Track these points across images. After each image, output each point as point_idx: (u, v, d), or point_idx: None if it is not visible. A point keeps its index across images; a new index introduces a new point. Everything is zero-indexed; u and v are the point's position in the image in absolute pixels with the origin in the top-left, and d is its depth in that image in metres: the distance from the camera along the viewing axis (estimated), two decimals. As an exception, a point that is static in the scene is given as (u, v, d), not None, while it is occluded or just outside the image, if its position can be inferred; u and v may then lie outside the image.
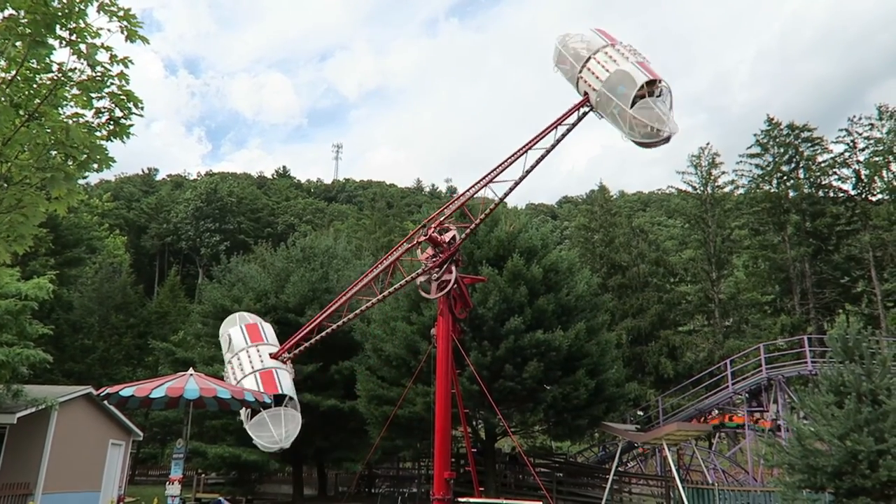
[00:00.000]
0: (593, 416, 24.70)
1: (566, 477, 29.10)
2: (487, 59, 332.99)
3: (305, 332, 18.43)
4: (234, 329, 18.98)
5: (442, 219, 17.79)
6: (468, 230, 17.81)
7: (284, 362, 17.97)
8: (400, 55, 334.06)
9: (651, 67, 15.55)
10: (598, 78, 15.70)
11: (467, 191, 18.01)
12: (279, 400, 17.01)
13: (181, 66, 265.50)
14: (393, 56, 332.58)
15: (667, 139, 15.14)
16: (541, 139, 17.03)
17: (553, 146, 16.83)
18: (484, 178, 17.47)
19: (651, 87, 15.32)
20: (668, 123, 14.95)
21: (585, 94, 16.21)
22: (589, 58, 16.07)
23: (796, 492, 14.67)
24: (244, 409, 16.79)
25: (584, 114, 16.70)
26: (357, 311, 18.32)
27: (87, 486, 20.74)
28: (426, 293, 17.33)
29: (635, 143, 15.63)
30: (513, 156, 17.10)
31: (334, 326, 18.37)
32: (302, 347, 18.30)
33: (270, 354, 17.80)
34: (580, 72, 16.20)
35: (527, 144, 16.99)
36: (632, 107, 15.08)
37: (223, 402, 21.18)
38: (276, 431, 16.72)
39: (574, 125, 16.92)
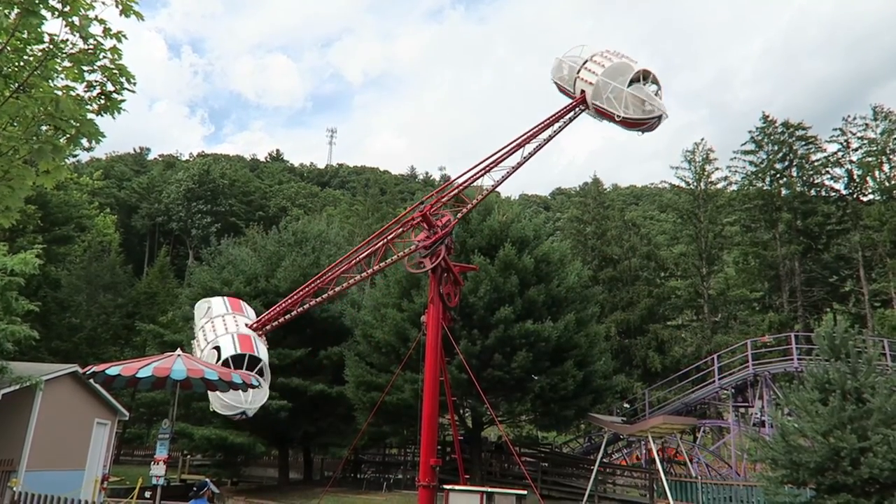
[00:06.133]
0: (580, 407, 24.84)
1: (551, 467, 29.28)
2: (492, 48, 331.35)
3: (286, 306, 18.03)
4: (215, 299, 19.09)
5: (435, 200, 17.80)
6: (462, 212, 17.96)
7: (260, 335, 17.83)
8: (405, 43, 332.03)
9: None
10: (594, 72, 17.53)
11: (465, 178, 18.19)
12: (252, 364, 16.61)
13: (186, 44, 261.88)
14: (398, 43, 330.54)
15: (658, 118, 17.01)
16: (539, 133, 18.07)
17: (548, 140, 18.45)
18: (482, 165, 17.93)
19: (643, 77, 17.39)
20: (659, 104, 16.87)
21: (582, 92, 17.87)
22: (587, 60, 18.08)
23: (778, 487, 14.82)
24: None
25: (579, 112, 18.27)
26: (343, 286, 17.88)
27: (71, 465, 20.66)
28: (414, 269, 17.46)
29: (630, 122, 17.17)
30: (511, 147, 18.06)
31: (315, 302, 18.05)
32: (281, 321, 17.99)
33: (247, 324, 17.73)
34: (578, 72, 18.04)
35: (524, 137, 18.10)
36: (628, 87, 17.00)
37: (210, 384, 21.18)
38: (243, 396, 16.50)
39: (569, 122, 18.42)
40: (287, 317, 18.00)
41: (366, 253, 17.88)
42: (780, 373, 28.14)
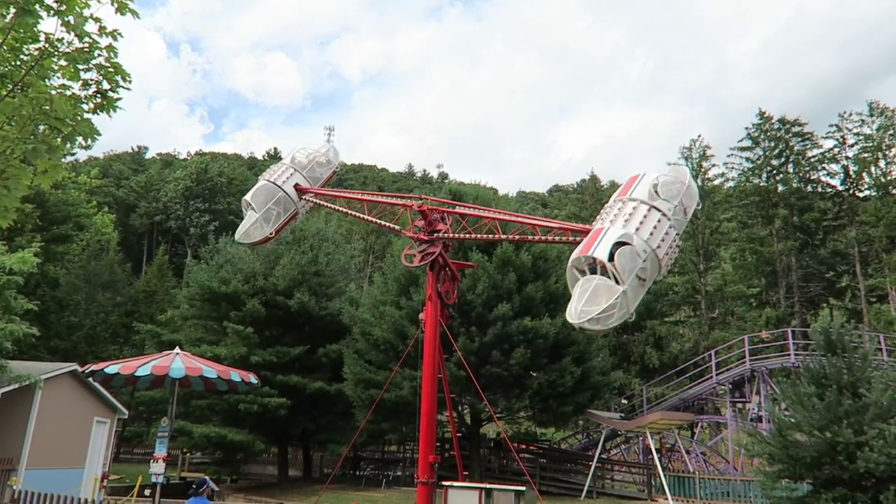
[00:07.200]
0: (578, 403, 24.91)
1: (550, 463, 29.36)
2: (490, 45, 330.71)
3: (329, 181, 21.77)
4: None
5: (436, 207, 17.76)
6: (458, 236, 17.62)
7: (301, 199, 20.16)
8: (404, 40, 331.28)
9: (593, 241, 12.20)
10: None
11: (481, 215, 17.84)
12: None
13: (185, 42, 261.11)
14: (397, 41, 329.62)
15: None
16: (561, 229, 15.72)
17: (559, 240, 15.54)
18: (496, 218, 17.35)
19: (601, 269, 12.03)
20: (580, 316, 11.79)
21: None
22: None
23: (775, 481, 14.88)
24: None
25: None
26: (342, 209, 20.03)
27: (71, 463, 20.68)
28: (410, 264, 17.35)
29: None
30: (533, 222, 16.68)
31: (330, 206, 20.72)
32: (315, 197, 20.48)
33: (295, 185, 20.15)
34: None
35: (547, 224, 16.45)
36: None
37: (209, 382, 21.26)
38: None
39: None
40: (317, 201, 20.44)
41: (369, 208, 18.60)
42: (777, 368, 28.26)
